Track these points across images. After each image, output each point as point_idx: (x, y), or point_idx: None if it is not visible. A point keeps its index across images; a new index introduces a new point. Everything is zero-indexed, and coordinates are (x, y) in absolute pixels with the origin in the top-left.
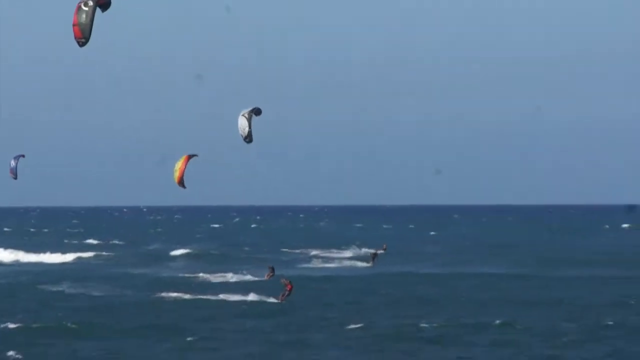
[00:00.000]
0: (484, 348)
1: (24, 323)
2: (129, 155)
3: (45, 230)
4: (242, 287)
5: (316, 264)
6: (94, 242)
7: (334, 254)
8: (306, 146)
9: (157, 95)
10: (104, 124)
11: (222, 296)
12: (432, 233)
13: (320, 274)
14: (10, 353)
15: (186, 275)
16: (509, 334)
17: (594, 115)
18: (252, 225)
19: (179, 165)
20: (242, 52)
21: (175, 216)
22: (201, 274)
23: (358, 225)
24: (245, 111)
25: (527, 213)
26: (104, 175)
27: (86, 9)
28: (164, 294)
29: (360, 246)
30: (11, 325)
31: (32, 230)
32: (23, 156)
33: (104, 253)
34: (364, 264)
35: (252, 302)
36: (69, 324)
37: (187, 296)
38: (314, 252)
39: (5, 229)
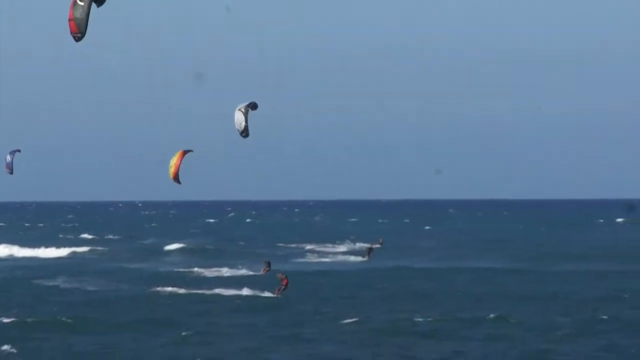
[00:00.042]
0: (479, 342)
1: (19, 317)
2: (124, 151)
3: (41, 224)
4: (237, 282)
5: (311, 258)
6: (89, 236)
7: (329, 248)
8: (301, 141)
9: (155, 92)
10: (100, 120)
11: (217, 291)
12: (427, 227)
13: (316, 268)
14: (5, 347)
15: (181, 269)
16: (504, 328)
17: (588, 111)
18: (247, 220)
19: (174, 160)
20: (242, 52)
21: (171, 211)
22: (196, 269)
23: (353, 219)
24: (242, 105)
25: (523, 208)
26: (100, 171)
27: (82, 3)
28: (159, 289)
29: (354, 241)
30: (6, 320)
31: (27, 225)
32: (19, 151)
33: (99, 248)
34: (359, 259)
35: (246, 296)
36: (64, 319)
37: (182, 291)
38: (309, 247)
39: (0, 224)
